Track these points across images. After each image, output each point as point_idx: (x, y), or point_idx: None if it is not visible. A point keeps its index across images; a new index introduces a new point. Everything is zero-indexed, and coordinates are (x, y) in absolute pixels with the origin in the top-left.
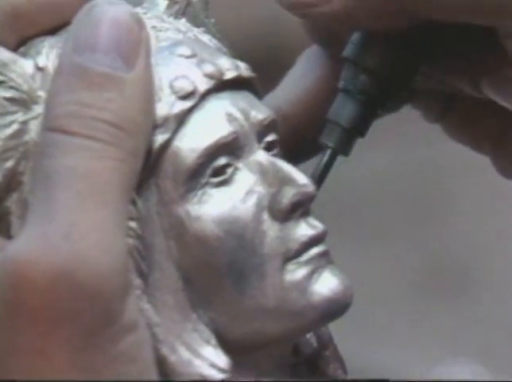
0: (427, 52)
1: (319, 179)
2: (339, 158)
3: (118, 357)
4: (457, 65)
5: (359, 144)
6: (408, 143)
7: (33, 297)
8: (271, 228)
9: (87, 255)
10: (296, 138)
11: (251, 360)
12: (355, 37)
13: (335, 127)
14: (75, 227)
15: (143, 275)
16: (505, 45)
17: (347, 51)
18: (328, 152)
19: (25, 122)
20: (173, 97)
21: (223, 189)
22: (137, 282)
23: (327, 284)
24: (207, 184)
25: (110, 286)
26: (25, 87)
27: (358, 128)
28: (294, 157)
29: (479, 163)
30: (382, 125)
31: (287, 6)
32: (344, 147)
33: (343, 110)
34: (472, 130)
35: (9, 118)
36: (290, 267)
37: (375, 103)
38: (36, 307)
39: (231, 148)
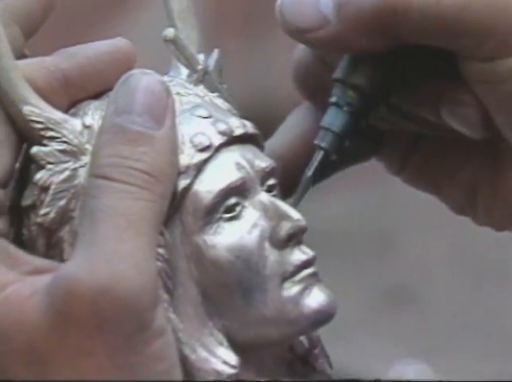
0: (400, 75)
1: (313, 175)
2: (318, 204)
3: (150, 357)
4: (422, 94)
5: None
6: (371, 184)
7: (81, 308)
8: (271, 254)
9: (124, 276)
10: (287, 175)
11: (256, 358)
12: (343, 61)
13: (328, 133)
14: (114, 253)
15: (169, 292)
16: (461, 69)
17: (337, 73)
18: (322, 152)
19: (75, 170)
20: (193, 150)
21: (233, 223)
22: (165, 296)
23: (316, 299)
24: (220, 219)
25: (142, 300)
26: (74, 141)
27: (347, 134)
28: (285, 190)
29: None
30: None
31: (289, 33)
32: (335, 149)
33: (334, 119)
34: (431, 176)
35: (62, 166)
36: (287, 285)
37: (360, 114)
38: (83, 316)
39: (240, 190)
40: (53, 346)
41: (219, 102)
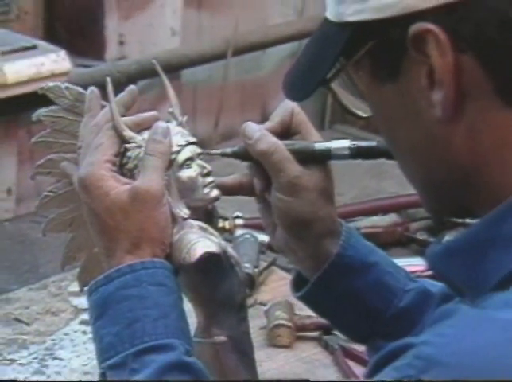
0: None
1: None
2: None
3: (162, 213)
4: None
5: None
6: None
7: (140, 197)
8: (200, 179)
9: (153, 186)
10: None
11: (194, 211)
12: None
13: (227, 153)
14: (152, 179)
15: (168, 190)
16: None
17: (232, 150)
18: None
19: (139, 152)
20: (176, 146)
21: (189, 169)
22: (166, 192)
23: (214, 193)
24: (184, 167)
25: (158, 194)
26: (140, 143)
27: (233, 155)
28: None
29: None
30: None
31: (241, 136)
32: (227, 154)
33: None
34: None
35: (136, 151)
36: (205, 188)
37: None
38: (140, 199)
39: (191, 159)
40: (130, 210)
41: (185, 132)
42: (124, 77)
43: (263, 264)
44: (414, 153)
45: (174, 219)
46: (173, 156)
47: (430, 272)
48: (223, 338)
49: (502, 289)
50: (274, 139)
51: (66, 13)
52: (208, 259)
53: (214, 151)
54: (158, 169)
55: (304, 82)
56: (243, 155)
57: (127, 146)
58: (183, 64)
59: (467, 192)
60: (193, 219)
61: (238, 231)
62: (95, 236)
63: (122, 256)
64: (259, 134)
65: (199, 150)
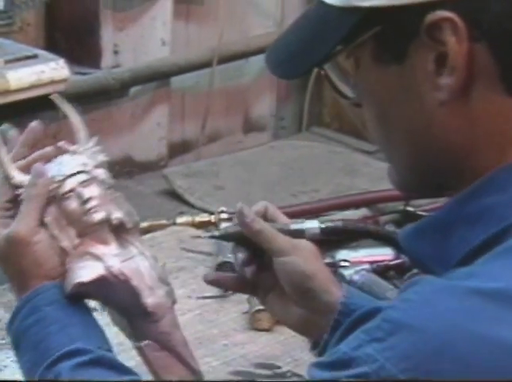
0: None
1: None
2: None
3: (37, 248)
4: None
5: None
6: None
7: (12, 243)
8: (81, 208)
9: (22, 230)
10: None
11: (94, 235)
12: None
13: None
14: (20, 223)
15: (57, 222)
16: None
17: (219, 232)
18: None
19: None
20: (56, 182)
21: (68, 201)
22: (56, 232)
23: (97, 217)
24: (64, 200)
25: (28, 234)
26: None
27: (223, 237)
28: None
29: None
30: None
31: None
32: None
33: (224, 231)
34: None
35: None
36: (86, 215)
37: (226, 238)
38: (13, 245)
39: (70, 191)
40: (8, 255)
41: (73, 162)
42: (118, 84)
43: None
44: (408, 134)
45: (63, 250)
46: (53, 192)
47: (397, 261)
48: (145, 342)
49: (465, 264)
50: (262, 221)
51: (65, 25)
52: (87, 285)
53: (204, 234)
54: (29, 212)
55: (296, 62)
56: (229, 237)
57: (17, 192)
58: (172, 72)
59: (452, 176)
60: (98, 240)
61: (223, 225)
62: None
63: (19, 296)
64: (253, 215)
65: (83, 178)
